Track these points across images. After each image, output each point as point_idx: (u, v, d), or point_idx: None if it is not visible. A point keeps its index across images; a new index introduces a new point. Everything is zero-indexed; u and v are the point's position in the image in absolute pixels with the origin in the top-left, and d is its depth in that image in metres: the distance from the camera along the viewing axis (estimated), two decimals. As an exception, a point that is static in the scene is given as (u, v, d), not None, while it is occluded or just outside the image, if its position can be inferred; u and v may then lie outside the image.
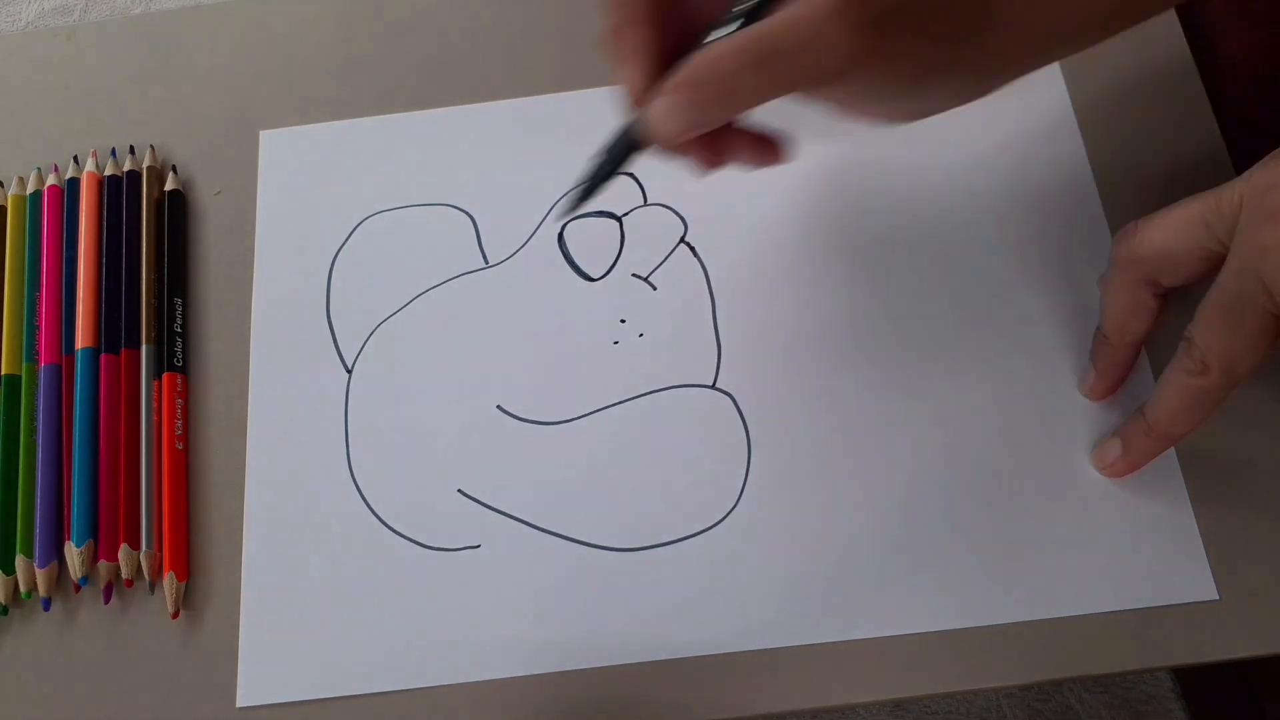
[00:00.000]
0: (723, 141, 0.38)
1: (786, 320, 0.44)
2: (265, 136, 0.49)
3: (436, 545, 0.41)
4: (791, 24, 0.32)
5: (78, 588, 0.42)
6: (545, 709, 0.39)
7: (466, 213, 0.47)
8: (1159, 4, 0.38)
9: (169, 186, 0.48)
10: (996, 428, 0.41)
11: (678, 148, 0.37)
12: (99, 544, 0.42)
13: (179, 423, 0.44)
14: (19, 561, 0.42)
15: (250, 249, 0.47)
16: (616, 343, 0.44)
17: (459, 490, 0.42)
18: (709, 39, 0.34)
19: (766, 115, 0.36)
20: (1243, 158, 0.44)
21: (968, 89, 0.36)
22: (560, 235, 0.46)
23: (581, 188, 0.37)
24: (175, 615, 0.41)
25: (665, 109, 0.34)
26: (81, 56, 0.52)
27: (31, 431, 0.43)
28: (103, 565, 0.41)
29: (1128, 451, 0.39)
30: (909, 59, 0.34)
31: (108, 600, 0.41)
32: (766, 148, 0.38)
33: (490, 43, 0.50)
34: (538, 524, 0.41)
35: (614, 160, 0.37)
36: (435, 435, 0.43)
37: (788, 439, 0.42)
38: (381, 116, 0.49)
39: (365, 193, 0.48)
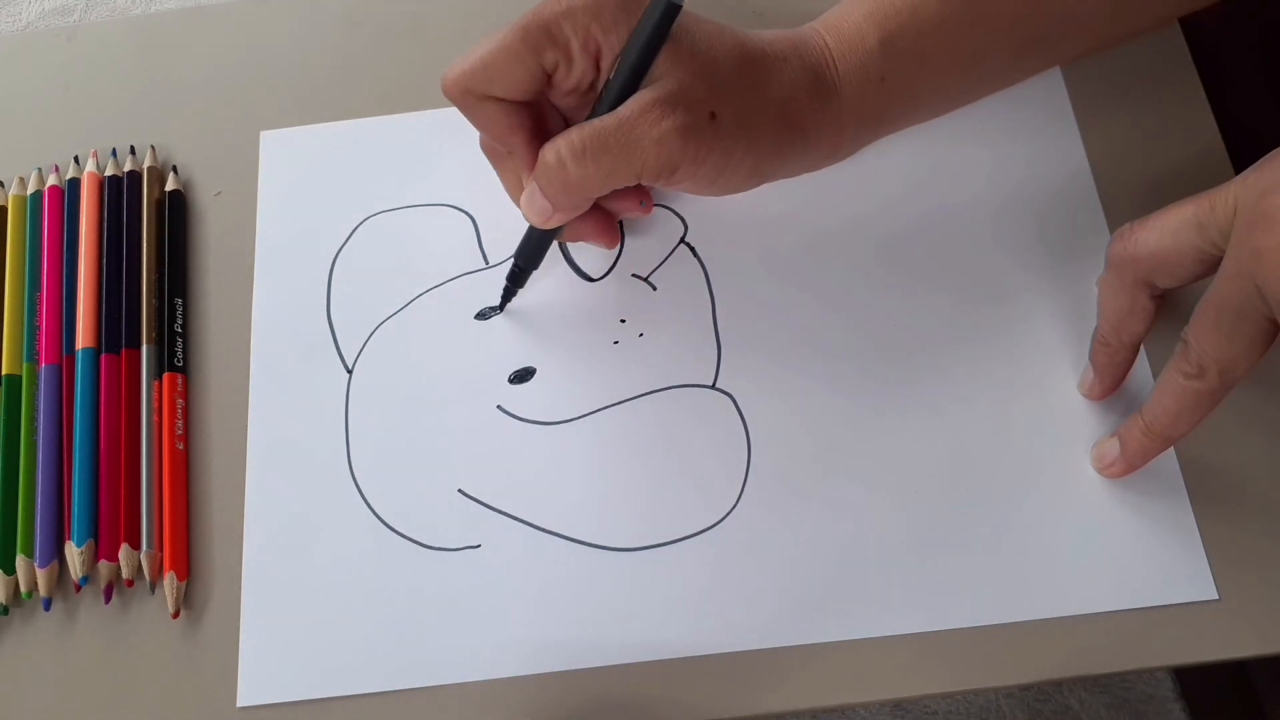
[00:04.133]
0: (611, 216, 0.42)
1: (786, 320, 0.44)
2: (265, 137, 0.49)
3: (436, 545, 0.41)
4: (617, 123, 0.36)
5: (78, 587, 0.42)
6: (545, 709, 0.39)
7: (466, 213, 0.47)
8: (996, 85, 0.42)
9: (169, 187, 0.48)
10: (996, 428, 0.41)
11: (575, 233, 0.42)
12: (99, 544, 0.42)
13: (179, 423, 0.44)
14: (19, 561, 0.42)
15: (250, 249, 0.47)
16: (616, 343, 0.44)
17: (459, 490, 0.42)
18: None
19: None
20: (1242, 159, 0.44)
21: (810, 167, 0.41)
22: (560, 235, 0.46)
23: (506, 286, 0.43)
24: (175, 615, 0.41)
25: (526, 202, 0.39)
26: (82, 57, 0.52)
27: (32, 431, 0.43)
28: (103, 565, 0.41)
29: (1126, 452, 0.39)
30: (740, 156, 0.38)
31: (108, 600, 0.41)
32: (636, 197, 0.42)
33: (490, 43, 0.50)
34: (538, 524, 0.41)
35: (536, 246, 0.42)
36: (435, 435, 0.43)
37: (788, 439, 0.42)
38: (381, 117, 0.49)
39: (365, 193, 0.48)
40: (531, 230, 0.41)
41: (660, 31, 0.35)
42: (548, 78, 0.37)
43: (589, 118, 0.37)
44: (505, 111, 0.37)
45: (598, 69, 0.37)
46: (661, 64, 0.36)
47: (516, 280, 0.43)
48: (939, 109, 0.42)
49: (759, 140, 0.38)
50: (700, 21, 0.37)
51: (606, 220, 0.42)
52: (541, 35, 0.36)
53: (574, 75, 0.37)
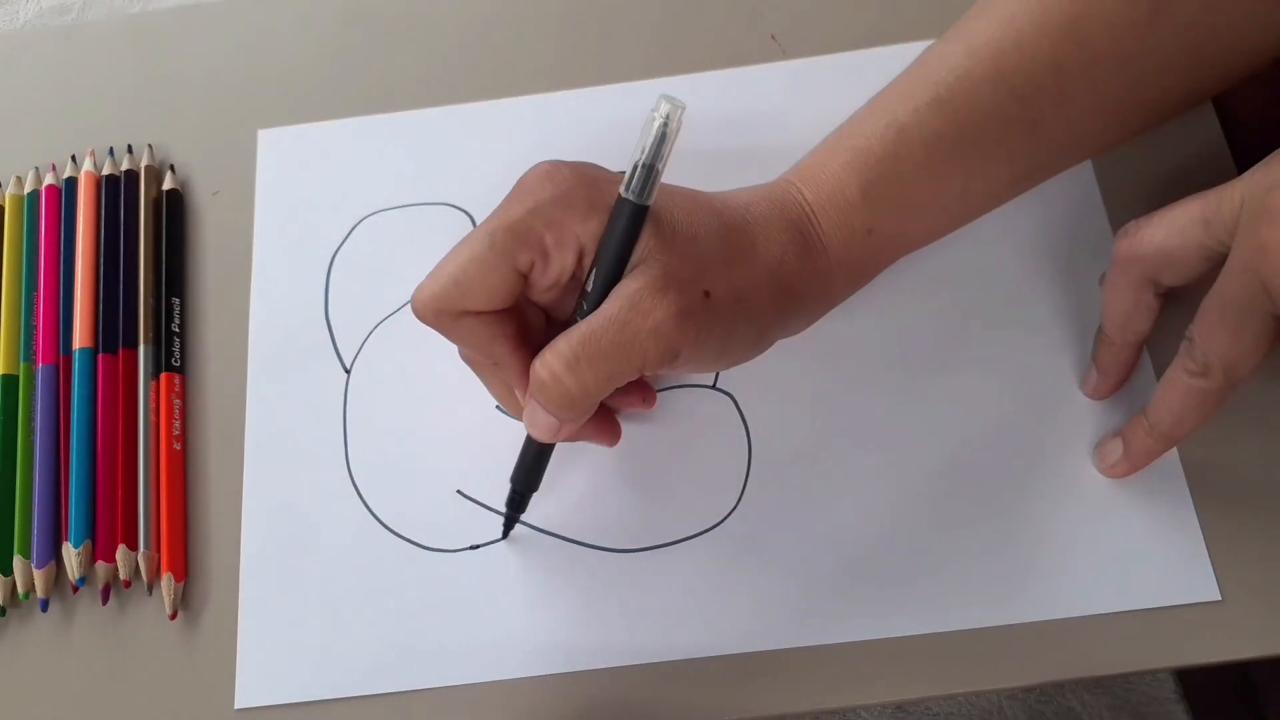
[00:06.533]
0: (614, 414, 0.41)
1: (787, 320, 0.44)
2: (263, 136, 0.49)
3: (436, 545, 0.41)
4: (605, 321, 0.33)
5: (76, 588, 0.42)
6: (545, 709, 0.39)
7: (466, 213, 0.47)
8: (991, 208, 0.40)
9: (167, 186, 0.47)
10: (998, 428, 0.41)
11: (576, 435, 0.38)
12: (97, 545, 0.42)
13: (177, 423, 0.43)
14: (17, 562, 0.41)
15: (248, 249, 0.47)
16: (616, 342, 0.44)
17: (459, 491, 0.42)
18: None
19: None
20: (1244, 158, 0.44)
21: (809, 323, 0.39)
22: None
23: (507, 514, 0.40)
24: (173, 616, 0.41)
25: (529, 420, 0.36)
26: (79, 56, 0.52)
27: (29, 432, 0.43)
28: (100, 566, 0.41)
29: (1129, 452, 0.39)
30: (743, 329, 0.36)
31: (105, 601, 0.41)
32: (639, 393, 0.41)
33: (489, 42, 0.50)
34: (538, 524, 0.41)
35: (534, 465, 0.39)
36: (435, 436, 0.43)
37: (788, 439, 0.42)
38: (381, 116, 0.49)
39: (364, 192, 0.47)
40: (528, 447, 0.38)
41: (632, 229, 0.33)
42: (524, 279, 0.34)
43: (573, 316, 0.35)
44: (484, 323, 0.35)
45: (578, 260, 0.34)
46: (642, 247, 0.34)
47: (518, 506, 0.39)
48: (933, 239, 0.40)
49: (756, 310, 0.36)
50: (675, 195, 0.35)
51: (608, 419, 0.40)
52: (509, 238, 0.33)
53: (552, 270, 0.34)
